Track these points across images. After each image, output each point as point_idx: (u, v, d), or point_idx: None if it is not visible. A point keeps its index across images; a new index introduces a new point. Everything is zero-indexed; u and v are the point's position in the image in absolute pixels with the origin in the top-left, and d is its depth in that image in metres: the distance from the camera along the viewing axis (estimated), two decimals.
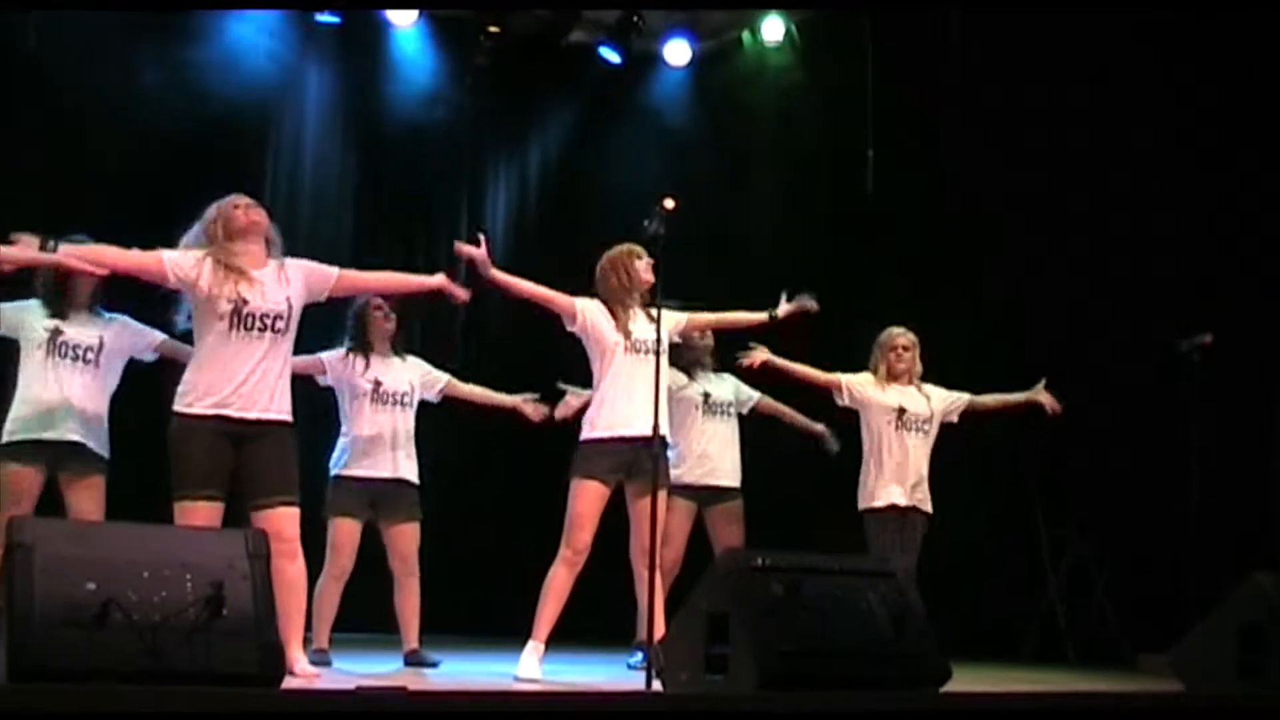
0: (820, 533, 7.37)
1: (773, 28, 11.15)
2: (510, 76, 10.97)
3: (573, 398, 7.33)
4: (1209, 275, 8.94)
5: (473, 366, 9.73)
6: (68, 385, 6.62)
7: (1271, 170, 8.79)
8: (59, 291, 6.67)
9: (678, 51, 11.35)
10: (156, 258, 5.92)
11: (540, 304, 6.80)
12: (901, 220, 10.24)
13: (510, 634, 6.98)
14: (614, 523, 6.67)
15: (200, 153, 9.60)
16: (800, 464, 8.75)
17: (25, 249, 5.80)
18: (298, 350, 6.26)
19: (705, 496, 7.97)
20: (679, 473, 7.72)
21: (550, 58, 11.16)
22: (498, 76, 10.89)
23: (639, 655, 7.24)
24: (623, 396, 6.58)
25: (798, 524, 8.92)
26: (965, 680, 5.58)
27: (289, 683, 5.14)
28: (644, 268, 6.76)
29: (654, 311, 6.46)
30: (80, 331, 6.69)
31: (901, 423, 7.66)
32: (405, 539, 7.30)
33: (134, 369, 6.89)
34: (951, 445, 7.92)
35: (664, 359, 6.42)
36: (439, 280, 6.54)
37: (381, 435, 7.23)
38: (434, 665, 7.13)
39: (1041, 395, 7.97)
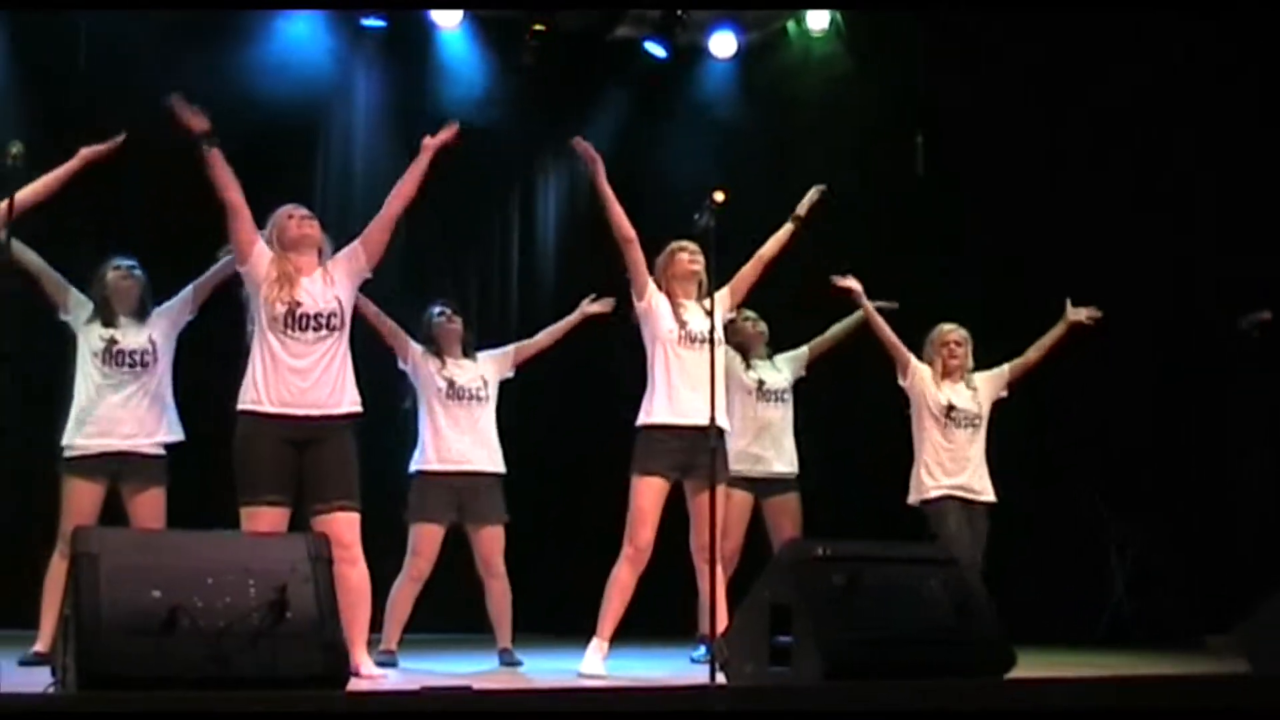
0: (877, 525, 7.38)
1: (818, 17, 11.11)
2: (556, 74, 10.96)
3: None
4: (1267, 250, 8.86)
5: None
6: (126, 394, 6.81)
7: None
8: (109, 300, 6.89)
9: (723, 44, 11.31)
10: (254, 238, 6.11)
11: (627, 254, 6.73)
12: (953, 205, 10.19)
13: (576, 632, 6.99)
14: (673, 516, 6.67)
15: (252, 160, 9.53)
16: (856, 454, 8.73)
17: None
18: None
19: (762, 487, 7.97)
20: (735, 465, 7.75)
21: (596, 54, 11.17)
22: (544, 75, 10.89)
23: (702, 649, 7.24)
24: (679, 386, 6.58)
25: (852, 514, 8.94)
26: (1030, 666, 5.55)
27: (354, 684, 5.17)
28: (687, 259, 6.76)
29: (707, 303, 6.48)
30: (133, 338, 6.86)
31: (950, 419, 7.64)
32: (488, 542, 7.34)
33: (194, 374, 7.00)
34: (1012, 431, 7.87)
35: (720, 351, 6.42)
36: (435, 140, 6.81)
37: (460, 431, 7.32)
38: (518, 664, 7.16)
39: (1074, 314, 7.89)
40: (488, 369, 7.51)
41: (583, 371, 10.26)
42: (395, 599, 7.24)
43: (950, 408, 7.64)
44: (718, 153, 10.81)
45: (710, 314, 6.37)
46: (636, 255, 6.73)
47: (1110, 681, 5.63)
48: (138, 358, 6.83)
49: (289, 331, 5.99)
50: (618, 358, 7.28)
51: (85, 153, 6.56)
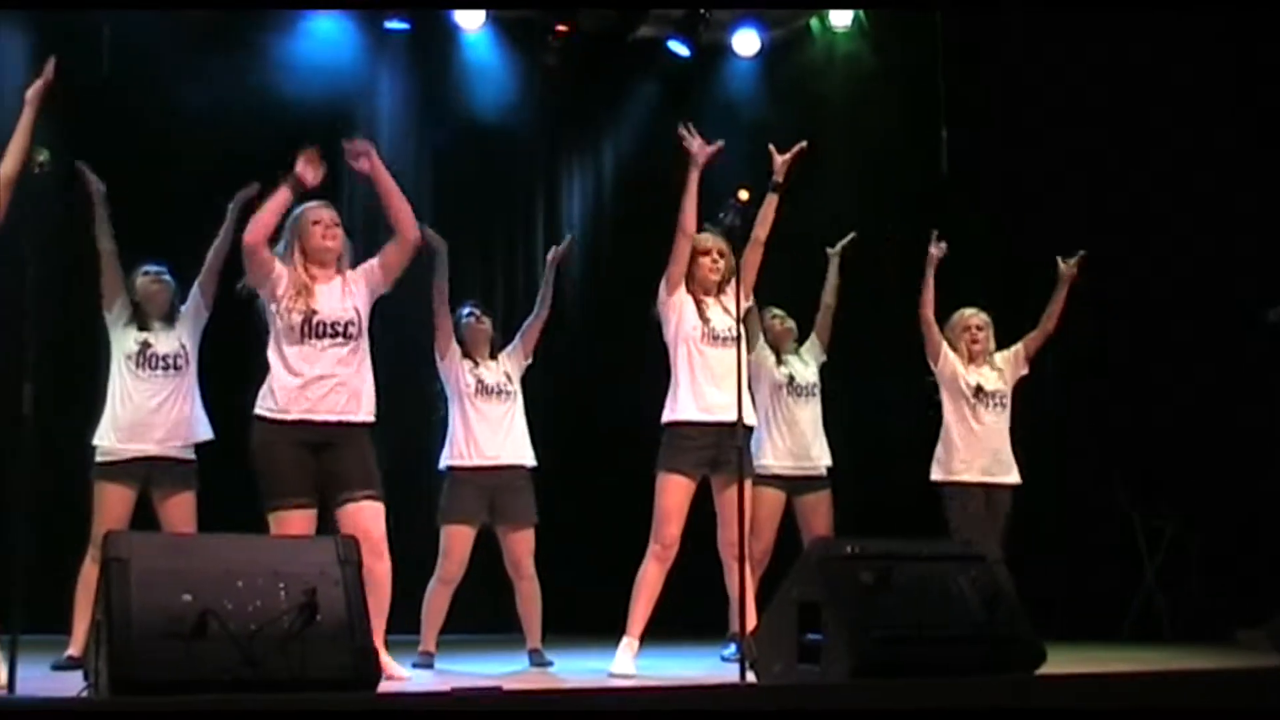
0: (895, 506, 7.36)
1: (841, 13, 11.11)
2: (580, 74, 10.99)
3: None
4: None
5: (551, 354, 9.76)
6: (159, 398, 6.90)
7: None
8: (141, 305, 7.01)
9: (746, 42, 11.31)
10: (273, 264, 6.04)
11: (677, 245, 6.65)
12: (977, 201, 10.16)
13: (604, 631, 7.00)
14: (701, 513, 6.67)
15: (277, 165, 9.66)
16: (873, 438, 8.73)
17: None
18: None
19: (795, 485, 7.96)
20: (767, 461, 7.76)
21: (619, 54, 11.18)
22: (567, 75, 10.91)
23: (732, 647, 7.24)
24: (704, 383, 6.56)
25: (875, 499, 8.94)
26: (1060, 662, 5.54)
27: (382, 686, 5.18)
28: (708, 264, 6.71)
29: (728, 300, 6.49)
30: (165, 342, 6.96)
31: (979, 399, 7.69)
32: (518, 544, 7.36)
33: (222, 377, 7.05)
34: (1038, 422, 7.86)
35: (744, 347, 6.40)
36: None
37: (490, 428, 7.35)
38: (548, 665, 7.17)
39: (1068, 270, 7.85)
40: (509, 365, 7.54)
41: (606, 368, 10.29)
42: (430, 602, 7.28)
43: (979, 389, 7.70)
44: (742, 150, 10.79)
45: (736, 313, 6.32)
46: (685, 249, 6.67)
47: (1142, 677, 5.60)
48: (170, 361, 6.92)
49: (306, 339, 5.99)
50: (647, 355, 7.26)
51: (31, 95, 6.04)
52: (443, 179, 10.67)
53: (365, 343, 6.14)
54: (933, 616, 5.19)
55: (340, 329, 6.04)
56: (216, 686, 4.12)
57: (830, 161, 11.12)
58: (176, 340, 6.97)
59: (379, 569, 5.89)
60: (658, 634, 6.70)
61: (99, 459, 6.85)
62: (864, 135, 10.86)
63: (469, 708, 4.11)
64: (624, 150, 11.59)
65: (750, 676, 5.29)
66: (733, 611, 6.79)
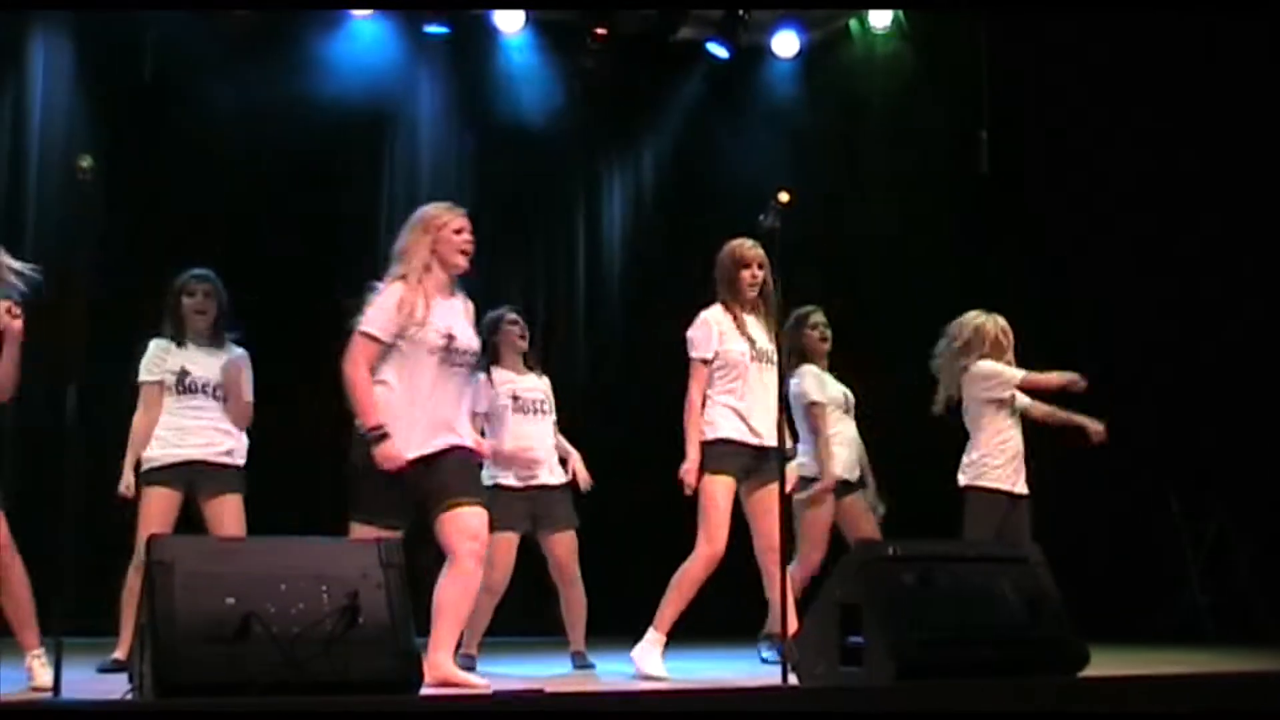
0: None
1: (880, 14, 11.09)
2: (619, 77, 11.00)
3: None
4: None
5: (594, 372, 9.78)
6: (200, 413, 6.81)
7: None
8: (182, 320, 6.88)
9: (786, 43, 11.31)
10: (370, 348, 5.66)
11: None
12: (1018, 204, 10.13)
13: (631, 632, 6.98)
14: (733, 517, 6.62)
15: (318, 169, 9.76)
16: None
17: None
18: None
19: (836, 491, 7.91)
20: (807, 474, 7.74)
21: (658, 56, 11.18)
22: (607, 78, 10.93)
23: (770, 651, 7.21)
24: (749, 405, 6.43)
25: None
26: (1102, 663, 5.51)
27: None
28: (748, 278, 6.56)
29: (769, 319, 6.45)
30: (204, 368, 6.82)
31: (1013, 407, 7.47)
32: (561, 548, 7.33)
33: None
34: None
35: (782, 363, 6.28)
36: None
37: (529, 444, 7.24)
38: (591, 668, 7.16)
39: (1095, 434, 7.58)
40: (546, 387, 7.47)
41: (642, 377, 10.28)
42: (474, 611, 7.20)
43: (1014, 395, 7.50)
44: (782, 152, 10.81)
45: (776, 331, 6.23)
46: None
47: (1188, 679, 5.56)
48: (210, 390, 6.82)
49: (442, 367, 5.71)
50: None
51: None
52: (482, 182, 10.70)
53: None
54: (975, 618, 5.17)
55: (468, 359, 5.83)
56: (259, 689, 4.14)
57: (869, 162, 11.15)
58: (217, 368, 6.82)
59: (480, 573, 5.78)
60: (684, 636, 6.61)
61: (144, 468, 6.78)
62: (903, 136, 10.86)
63: (511, 710, 4.11)
64: (663, 152, 11.60)
65: (792, 679, 5.29)
66: (772, 614, 6.75)
